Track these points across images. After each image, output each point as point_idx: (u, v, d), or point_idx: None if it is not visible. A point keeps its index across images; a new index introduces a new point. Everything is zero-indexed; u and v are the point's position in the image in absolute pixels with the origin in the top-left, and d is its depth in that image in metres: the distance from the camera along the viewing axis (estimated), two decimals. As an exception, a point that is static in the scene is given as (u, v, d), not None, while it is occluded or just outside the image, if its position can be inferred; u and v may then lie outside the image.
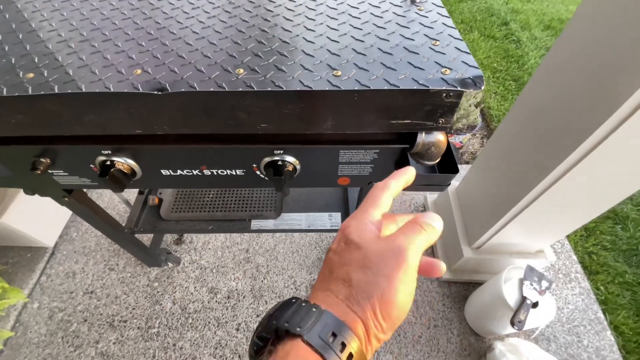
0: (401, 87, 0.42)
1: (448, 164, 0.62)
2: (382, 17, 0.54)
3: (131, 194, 1.24)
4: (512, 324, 0.92)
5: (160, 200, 1.09)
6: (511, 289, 0.99)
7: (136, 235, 1.14)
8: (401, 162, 0.63)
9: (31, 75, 0.45)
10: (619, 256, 1.44)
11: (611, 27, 0.69)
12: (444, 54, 0.46)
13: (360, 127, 0.50)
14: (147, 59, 0.47)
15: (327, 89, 0.42)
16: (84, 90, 0.43)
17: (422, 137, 0.52)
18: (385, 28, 0.51)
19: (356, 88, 0.42)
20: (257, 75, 0.44)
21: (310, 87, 0.42)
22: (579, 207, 0.94)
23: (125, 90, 0.43)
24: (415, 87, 0.42)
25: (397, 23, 0.52)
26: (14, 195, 1.22)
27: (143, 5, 0.59)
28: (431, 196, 1.52)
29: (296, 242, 1.45)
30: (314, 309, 0.24)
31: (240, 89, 0.42)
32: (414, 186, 0.62)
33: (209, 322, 1.24)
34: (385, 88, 0.42)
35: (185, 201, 1.09)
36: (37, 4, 0.61)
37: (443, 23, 0.52)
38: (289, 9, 0.57)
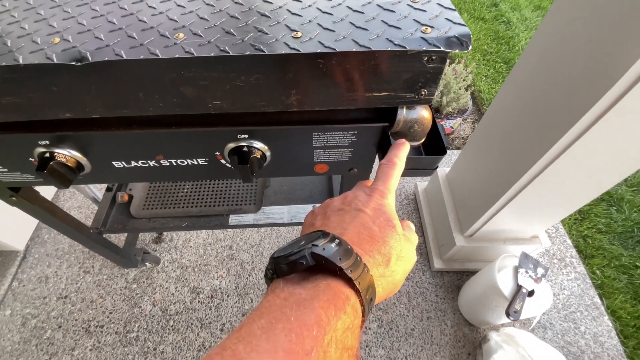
0: (373, 49, 0.35)
1: (435, 144, 0.55)
2: (353, -25, 0.46)
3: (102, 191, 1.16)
4: (508, 314, 0.87)
5: (131, 197, 1.01)
6: (506, 277, 0.94)
7: (108, 236, 1.06)
8: (383, 144, 0.56)
9: None
10: (614, 239, 1.41)
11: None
12: (425, 11, 0.39)
13: (330, 103, 0.43)
14: (70, 26, 0.39)
15: (283, 52, 0.35)
16: (-12, 63, 0.35)
17: (403, 113, 0.45)
18: (356, -15, 0.44)
19: (319, 51, 0.35)
20: (200, 39, 0.36)
21: (264, 51, 0.35)
22: (575, 189, 0.89)
23: (36, 62, 0.35)
24: (390, 48, 0.35)
25: (370, -20, 0.45)
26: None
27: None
28: (421, 184, 1.46)
29: (282, 236, 1.39)
30: (358, 258, 0.26)
31: (177, 56, 0.35)
32: (398, 171, 0.56)
33: (192, 324, 1.18)
34: (354, 50, 0.35)
35: (157, 197, 1.02)
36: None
37: (424, -22, 0.45)
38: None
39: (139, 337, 1.15)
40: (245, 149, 0.54)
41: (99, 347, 1.13)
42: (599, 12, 0.64)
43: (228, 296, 1.23)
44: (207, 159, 0.59)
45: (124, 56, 0.35)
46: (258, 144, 0.55)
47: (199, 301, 1.22)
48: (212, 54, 0.35)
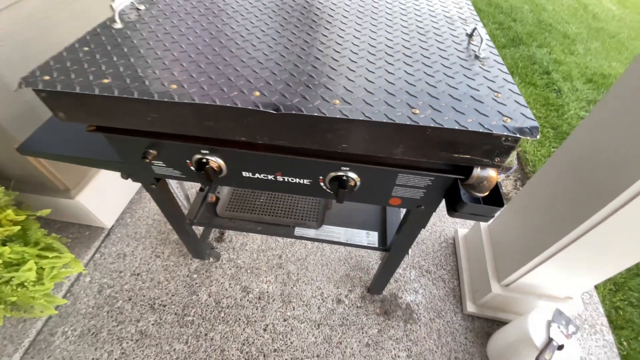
0: (469, 129, 0.51)
1: (493, 198, 0.70)
2: (450, 68, 0.65)
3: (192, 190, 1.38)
4: (537, 362, 0.94)
5: (217, 199, 1.21)
6: (538, 328, 1.01)
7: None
8: (450, 191, 0.71)
9: (174, 86, 0.59)
10: (649, 316, 1.41)
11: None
12: (505, 105, 0.56)
13: (426, 157, 0.59)
14: (262, 84, 0.60)
15: (407, 123, 0.52)
16: (217, 103, 0.55)
17: (477, 171, 0.61)
18: (454, 78, 0.62)
19: (431, 125, 0.52)
20: (350, 106, 0.55)
21: (394, 120, 0.53)
22: (612, 256, 0.97)
23: (250, 107, 0.55)
24: (481, 130, 0.51)
25: (464, 75, 0.63)
26: (91, 177, 1.39)
27: (251, 39, 0.73)
28: (461, 230, 1.56)
29: (326, 255, 1.53)
30: None
31: (338, 116, 0.53)
32: (462, 214, 0.70)
33: (239, 319, 1.32)
34: (456, 128, 0.52)
35: (238, 202, 1.21)
36: (181, 42, 0.76)
37: (504, 79, 0.62)
38: (370, 53, 0.69)
39: (194, 322, 1.31)
40: (344, 177, 0.72)
41: (160, 323, 1.30)
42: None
43: (273, 300, 1.38)
44: (311, 181, 0.77)
45: (304, 112, 0.54)
46: (353, 175, 0.72)
47: (247, 300, 1.37)
48: (360, 118, 0.53)
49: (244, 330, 1.30)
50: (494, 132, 0.51)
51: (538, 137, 0.51)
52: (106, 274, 1.45)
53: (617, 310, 1.41)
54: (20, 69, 1.06)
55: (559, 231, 0.98)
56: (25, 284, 1.12)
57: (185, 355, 1.23)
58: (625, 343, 1.31)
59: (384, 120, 0.53)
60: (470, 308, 1.32)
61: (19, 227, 1.14)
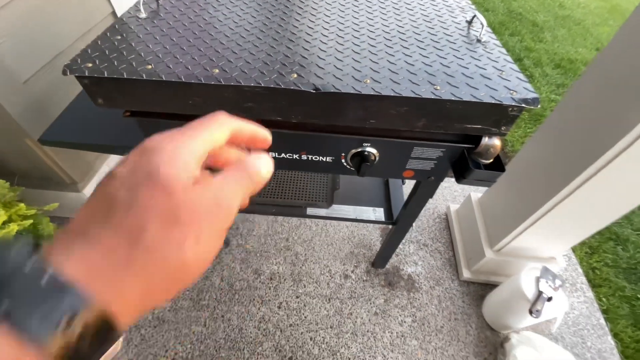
0: (484, 101, 0.60)
1: (496, 164, 0.79)
2: (458, 51, 0.73)
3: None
4: (530, 312, 1.07)
5: (229, 185, 1.26)
6: (529, 284, 1.15)
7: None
8: (459, 162, 0.81)
9: (217, 70, 0.64)
10: (619, 273, 1.60)
11: (625, 72, 0.89)
12: (509, 80, 0.65)
13: (443, 128, 0.68)
14: (296, 67, 0.66)
15: (432, 97, 0.60)
16: (262, 85, 0.61)
17: (485, 140, 0.70)
18: (463, 59, 0.70)
19: (452, 98, 0.60)
20: (380, 84, 0.62)
21: (420, 95, 0.60)
22: (587, 219, 1.12)
23: (292, 88, 0.61)
24: (492, 102, 0.60)
25: (471, 56, 0.71)
26: (95, 171, 1.39)
27: (290, 20, 0.78)
28: (453, 205, 1.69)
29: (331, 236, 1.61)
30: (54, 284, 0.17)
31: (370, 93, 0.60)
32: (469, 180, 0.80)
33: (254, 299, 1.38)
34: (473, 100, 0.60)
35: (250, 187, 1.26)
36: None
37: (504, 59, 0.71)
38: (386, 39, 0.76)
39: (209, 305, 1.36)
40: (366, 153, 0.79)
41: (176, 309, 1.34)
42: (620, 81, 0.90)
43: (285, 280, 1.45)
44: (333, 158, 0.84)
45: (341, 90, 0.61)
46: (373, 150, 0.80)
47: (260, 281, 1.44)
48: (390, 94, 0.60)
49: (259, 309, 1.36)
50: (504, 102, 0.60)
51: (539, 106, 0.60)
52: (115, 266, 1.46)
53: (594, 271, 1.59)
54: (29, 61, 1.06)
55: (541, 199, 1.10)
56: (41, 277, 1.13)
57: (205, 336, 1.28)
58: (604, 299, 1.49)
59: (412, 96, 0.61)
60: (465, 274, 1.44)
61: (30, 221, 1.14)
